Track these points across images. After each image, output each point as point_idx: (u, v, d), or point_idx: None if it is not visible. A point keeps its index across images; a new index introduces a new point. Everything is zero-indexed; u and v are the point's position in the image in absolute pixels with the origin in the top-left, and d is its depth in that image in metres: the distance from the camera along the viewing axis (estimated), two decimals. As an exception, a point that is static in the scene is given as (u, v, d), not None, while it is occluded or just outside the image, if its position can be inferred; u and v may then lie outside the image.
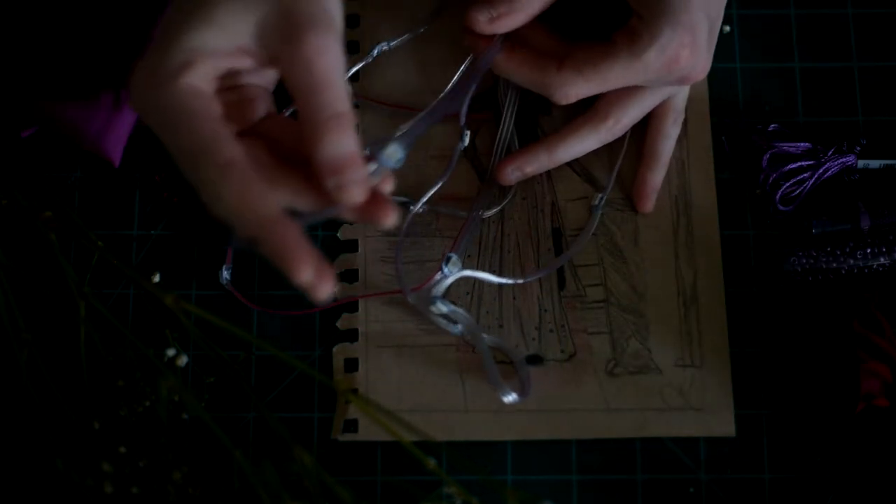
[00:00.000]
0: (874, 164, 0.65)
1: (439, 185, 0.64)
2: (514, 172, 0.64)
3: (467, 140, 0.64)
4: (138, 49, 0.51)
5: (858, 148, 0.65)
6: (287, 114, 0.64)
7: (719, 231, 0.65)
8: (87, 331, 0.60)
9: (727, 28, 0.68)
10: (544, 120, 0.67)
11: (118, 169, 0.66)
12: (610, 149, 0.65)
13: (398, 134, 0.60)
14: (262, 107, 0.53)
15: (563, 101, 0.60)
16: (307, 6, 0.48)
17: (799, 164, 0.65)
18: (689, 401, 0.62)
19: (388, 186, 0.50)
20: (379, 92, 0.67)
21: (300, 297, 0.49)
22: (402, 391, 0.63)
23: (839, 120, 0.67)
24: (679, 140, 0.66)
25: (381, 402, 0.58)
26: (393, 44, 0.67)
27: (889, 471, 0.61)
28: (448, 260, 0.62)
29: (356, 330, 0.64)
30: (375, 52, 0.67)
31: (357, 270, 0.65)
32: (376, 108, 0.67)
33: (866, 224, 0.64)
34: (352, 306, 0.64)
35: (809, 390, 0.62)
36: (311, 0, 0.49)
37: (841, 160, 0.65)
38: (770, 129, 0.66)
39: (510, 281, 0.64)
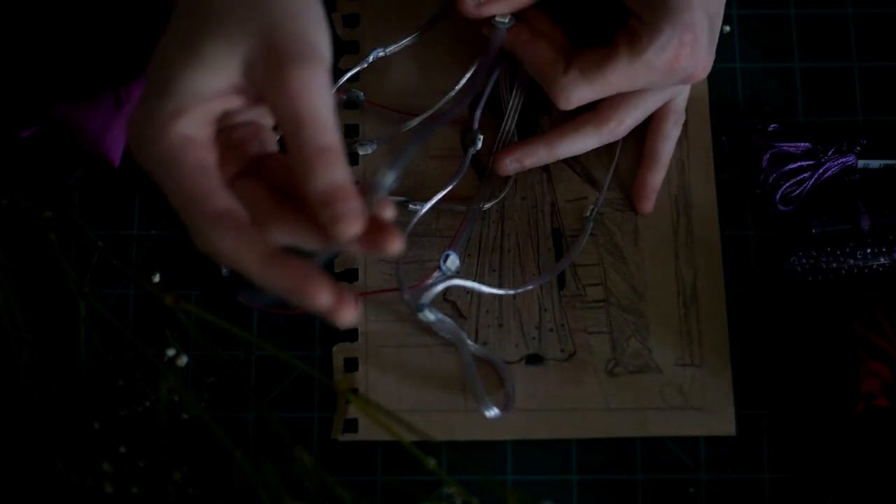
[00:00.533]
0: (874, 164, 0.65)
1: (449, 188, 0.64)
2: (513, 164, 0.64)
3: (479, 144, 0.65)
4: (138, 49, 0.51)
5: (858, 148, 0.65)
6: None
7: (719, 231, 0.65)
8: (87, 331, 0.60)
9: (727, 28, 0.68)
10: (544, 120, 0.67)
11: (118, 169, 0.65)
12: (610, 150, 0.66)
13: (400, 148, 0.59)
14: (261, 144, 0.52)
15: (565, 107, 0.61)
16: (291, 41, 0.47)
17: (799, 164, 0.65)
18: (689, 400, 0.62)
19: (388, 213, 0.48)
20: (379, 92, 0.67)
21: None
22: (402, 391, 0.63)
23: (839, 120, 0.67)
24: (679, 140, 0.66)
25: (381, 402, 0.58)
26: (389, 50, 0.67)
27: (889, 471, 0.61)
28: (446, 258, 0.62)
29: (356, 330, 0.64)
30: (371, 57, 0.67)
31: (357, 270, 0.65)
32: (377, 108, 0.67)
33: (866, 224, 0.64)
34: (352, 306, 0.64)
35: (809, 390, 0.62)
36: (295, 34, 0.48)
37: (841, 160, 0.65)
38: (770, 129, 0.66)
39: (500, 291, 0.63)
